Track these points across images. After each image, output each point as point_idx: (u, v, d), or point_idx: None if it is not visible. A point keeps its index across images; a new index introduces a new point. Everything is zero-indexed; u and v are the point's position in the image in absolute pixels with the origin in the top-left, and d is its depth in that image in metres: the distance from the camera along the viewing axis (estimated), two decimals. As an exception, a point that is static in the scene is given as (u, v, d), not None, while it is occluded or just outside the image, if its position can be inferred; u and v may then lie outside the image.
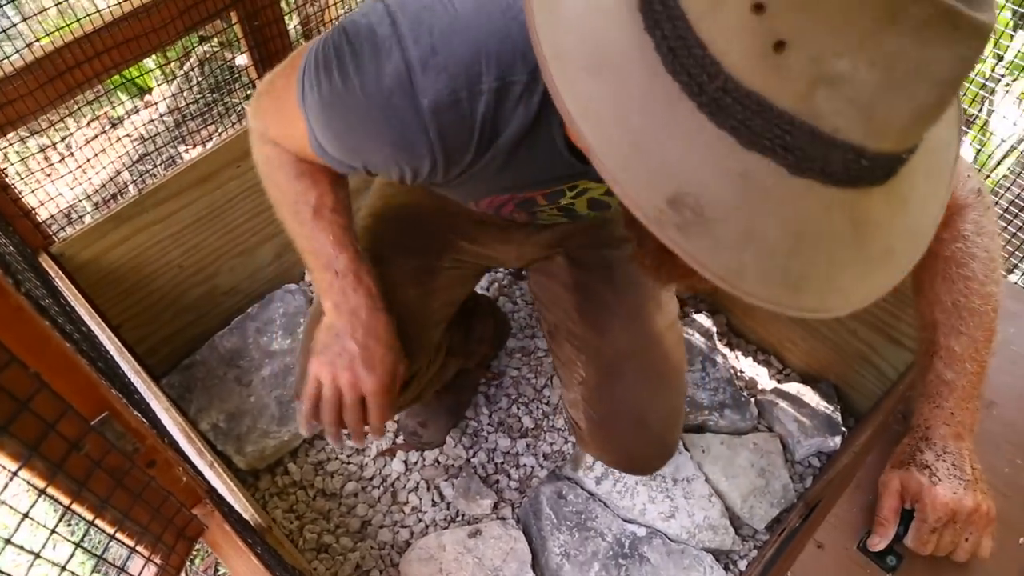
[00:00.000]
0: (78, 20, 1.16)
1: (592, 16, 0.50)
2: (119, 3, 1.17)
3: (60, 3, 1.21)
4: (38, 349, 0.56)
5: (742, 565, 1.45)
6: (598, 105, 0.48)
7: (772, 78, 0.44)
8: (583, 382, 1.18)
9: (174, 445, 0.99)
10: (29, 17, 1.18)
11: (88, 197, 2.02)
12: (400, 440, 1.59)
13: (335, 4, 1.72)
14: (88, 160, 1.91)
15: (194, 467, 1.00)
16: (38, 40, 1.17)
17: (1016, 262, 1.64)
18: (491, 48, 0.66)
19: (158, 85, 2.24)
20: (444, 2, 0.68)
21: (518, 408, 1.65)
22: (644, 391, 1.15)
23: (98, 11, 1.17)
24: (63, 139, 2.09)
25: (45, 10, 1.26)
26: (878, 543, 0.84)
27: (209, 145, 1.47)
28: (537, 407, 1.65)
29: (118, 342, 1.28)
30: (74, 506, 0.65)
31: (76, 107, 1.30)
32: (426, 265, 1.14)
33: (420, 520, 1.51)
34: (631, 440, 1.18)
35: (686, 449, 1.53)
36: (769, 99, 0.44)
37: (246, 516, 1.07)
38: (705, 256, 0.47)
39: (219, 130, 2.02)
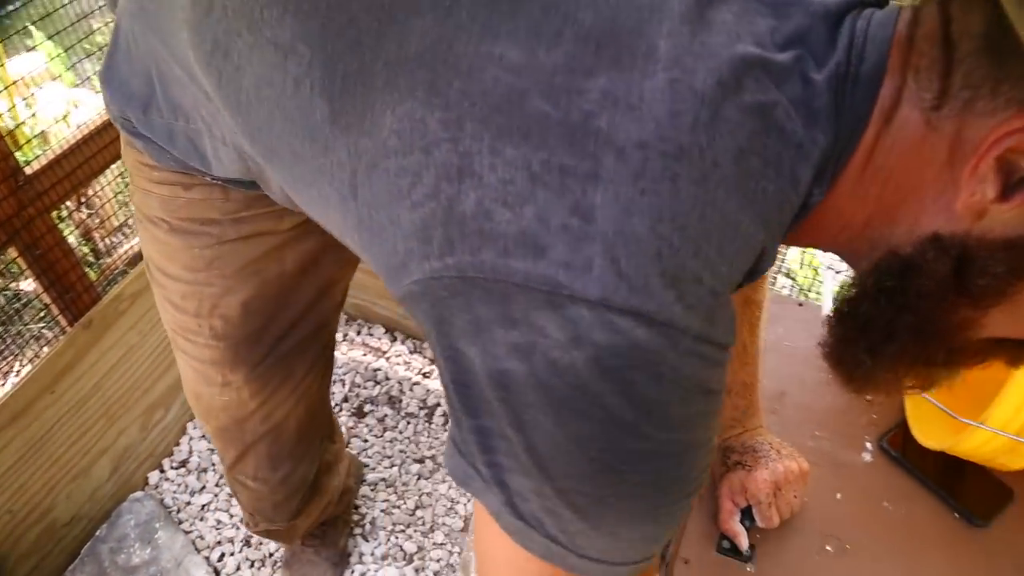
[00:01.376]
0: None
1: None
2: None
3: None
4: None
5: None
6: None
7: None
8: None
9: None
10: None
11: None
12: (292, 609, 1.56)
13: (114, 214, 1.75)
14: None
15: None
16: None
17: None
18: (772, 219, 0.47)
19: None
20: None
21: (397, 536, 1.67)
22: None
23: None
24: None
25: None
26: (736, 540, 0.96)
27: (12, 379, 1.44)
28: (415, 529, 1.68)
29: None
30: None
31: None
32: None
33: None
34: None
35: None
36: None
37: None
38: None
39: (19, 362, 1.93)
